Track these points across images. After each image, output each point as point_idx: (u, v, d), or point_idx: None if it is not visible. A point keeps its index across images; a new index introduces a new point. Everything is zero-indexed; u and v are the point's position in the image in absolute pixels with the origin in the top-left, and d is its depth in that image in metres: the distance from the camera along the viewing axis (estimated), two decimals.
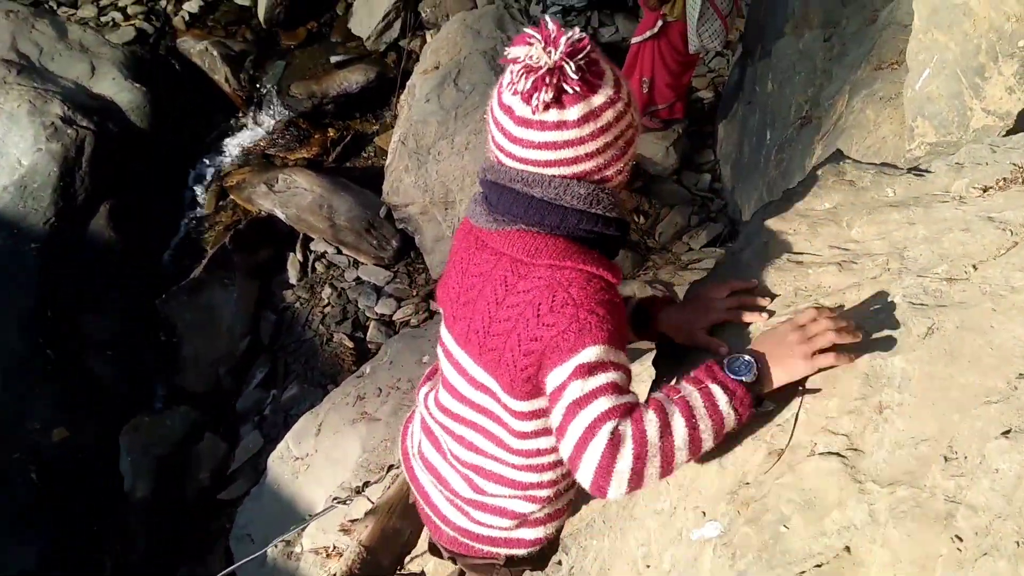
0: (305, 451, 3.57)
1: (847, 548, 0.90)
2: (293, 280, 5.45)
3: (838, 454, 0.98)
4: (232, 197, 6.02)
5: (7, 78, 5.60)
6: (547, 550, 1.41)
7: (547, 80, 0.99)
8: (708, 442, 0.99)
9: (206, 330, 5.08)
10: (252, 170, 6.16)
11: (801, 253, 1.35)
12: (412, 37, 6.79)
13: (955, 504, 0.86)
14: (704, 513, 1.06)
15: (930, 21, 2.55)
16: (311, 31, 7.18)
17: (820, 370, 1.05)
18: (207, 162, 6.40)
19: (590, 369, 1.00)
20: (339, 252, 5.53)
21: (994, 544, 0.81)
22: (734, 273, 1.39)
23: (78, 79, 5.95)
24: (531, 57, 1.00)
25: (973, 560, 0.81)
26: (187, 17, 7.05)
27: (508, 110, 1.05)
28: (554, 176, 1.06)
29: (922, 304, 1.11)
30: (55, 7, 6.90)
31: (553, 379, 1.03)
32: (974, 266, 1.13)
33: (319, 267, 5.49)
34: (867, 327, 1.08)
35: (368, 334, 5.07)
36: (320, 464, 3.47)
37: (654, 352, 1.40)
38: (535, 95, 1.00)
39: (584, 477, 0.97)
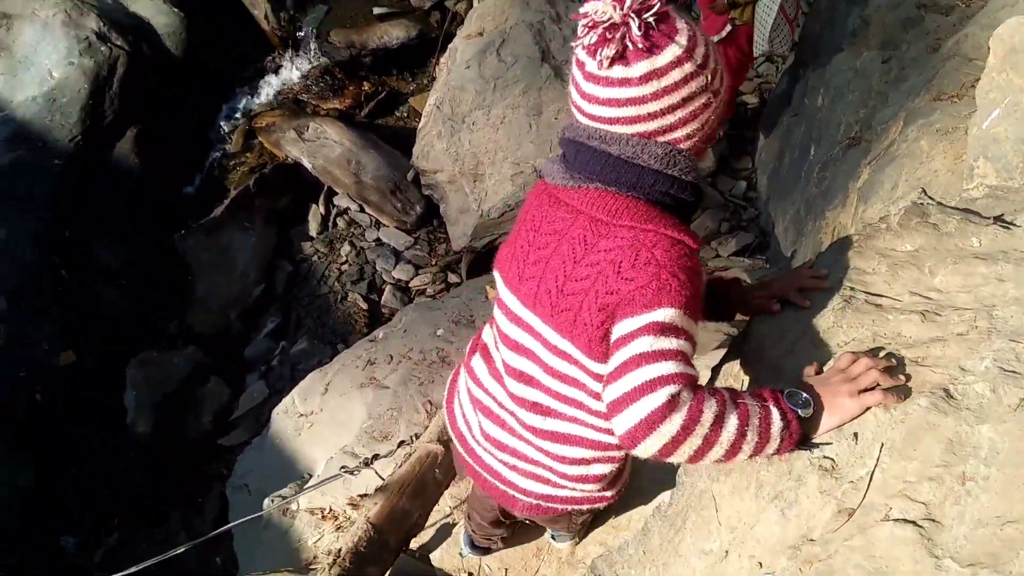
0: (310, 408, 3.55)
1: None
2: (313, 232, 5.39)
3: (914, 523, 0.93)
4: (260, 139, 5.94)
5: None
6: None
7: (610, 35, 0.98)
8: (744, 455, 1.00)
9: (221, 271, 5.04)
10: (283, 114, 6.06)
11: (880, 296, 1.29)
12: None
13: None
14: (761, 564, 1.02)
15: (1006, 61, 2.45)
16: None
17: (867, 408, 1.04)
18: (238, 99, 6.30)
19: (662, 329, 0.98)
20: (362, 210, 5.46)
21: None
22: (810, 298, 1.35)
23: None
24: (598, 12, 0.99)
25: None
26: None
27: (580, 65, 1.05)
28: (631, 135, 1.04)
29: (1014, 372, 1.05)
30: None
31: (621, 328, 1.01)
32: None
33: (340, 223, 5.43)
34: (953, 389, 1.03)
35: (383, 297, 5.02)
36: (324, 424, 3.45)
37: (721, 350, 1.35)
38: (599, 50, 0.99)
39: (623, 422, 0.96)
